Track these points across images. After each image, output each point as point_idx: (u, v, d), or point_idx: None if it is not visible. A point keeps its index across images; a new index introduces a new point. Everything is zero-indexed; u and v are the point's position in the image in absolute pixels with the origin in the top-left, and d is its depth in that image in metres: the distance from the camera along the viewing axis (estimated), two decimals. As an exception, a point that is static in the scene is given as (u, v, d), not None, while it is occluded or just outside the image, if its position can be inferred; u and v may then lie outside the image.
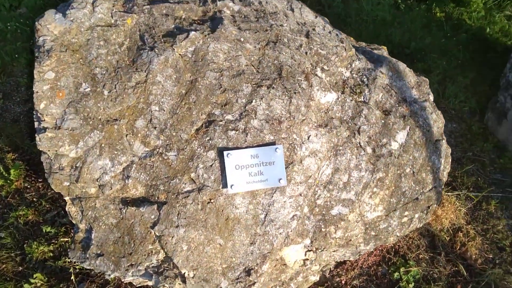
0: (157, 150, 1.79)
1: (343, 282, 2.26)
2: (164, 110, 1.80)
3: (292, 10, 2.28)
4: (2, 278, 2.05)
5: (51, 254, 2.16)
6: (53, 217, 2.33)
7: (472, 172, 3.08)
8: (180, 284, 1.80)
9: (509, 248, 2.59)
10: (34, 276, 2.02)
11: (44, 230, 2.23)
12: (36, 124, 1.73)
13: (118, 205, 1.78)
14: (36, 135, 1.71)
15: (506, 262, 2.51)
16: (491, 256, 2.52)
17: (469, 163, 3.13)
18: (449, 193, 2.79)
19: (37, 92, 1.69)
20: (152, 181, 1.78)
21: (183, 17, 2.00)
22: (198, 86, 1.84)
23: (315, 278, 2.12)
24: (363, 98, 2.14)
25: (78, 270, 2.11)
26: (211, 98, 1.84)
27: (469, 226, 2.66)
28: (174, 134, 1.79)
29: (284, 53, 2.00)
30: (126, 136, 1.77)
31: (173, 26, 1.95)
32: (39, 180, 2.52)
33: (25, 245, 2.18)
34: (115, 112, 1.77)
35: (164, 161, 1.78)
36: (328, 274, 2.29)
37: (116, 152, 1.76)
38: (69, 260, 2.13)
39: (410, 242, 2.50)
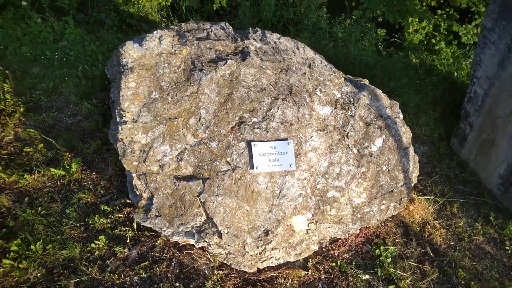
0: (203, 140, 2.48)
1: (336, 254, 2.87)
2: (209, 113, 2.51)
3: (298, 48, 3.09)
4: (71, 241, 2.63)
5: (109, 225, 2.76)
6: (107, 200, 2.95)
7: (440, 182, 3.79)
8: (217, 239, 2.42)
9: (467, 239, 3.25)
10: (99, 238, 2.61)
11: (102, 208, 2.84)
12: (118, 118, 2.42)
13: (173, 180, 2.44)
14: (118, 126, 2.40)
15: (465, 249, 3.16)
16: (452, 243, 3.18)
17: (437, 175, 3.86)
18: (420, 197, 3.49)
19: (122, 95, 2.40)
20: (199, 163, 2.46)
21: (221, 50, 2.77)
22: (233, 97, 2.57)
23: (314, 247, 2.75)
24: (350, 113, 2.89)
25: (131, 236, 2.71)
26: (242, 106, 2.57)
27: (436, 221, 3.33)
28: (215, 129, 2.50)
29: (293, 78, 2.77)
30: (182, 130, 2.47)
31: (214, 56, 2.71)
32: (93, 173, 3.16)
33: (87, 218, 2.78)
34: (175, 113, 2.48)
35: (208, 149, 2.47)
36: (324, 248, 2.91)
37: (174, 141, 2.45)
38: (124, 229, 2.72)
39: (389, 230, 3.15)
